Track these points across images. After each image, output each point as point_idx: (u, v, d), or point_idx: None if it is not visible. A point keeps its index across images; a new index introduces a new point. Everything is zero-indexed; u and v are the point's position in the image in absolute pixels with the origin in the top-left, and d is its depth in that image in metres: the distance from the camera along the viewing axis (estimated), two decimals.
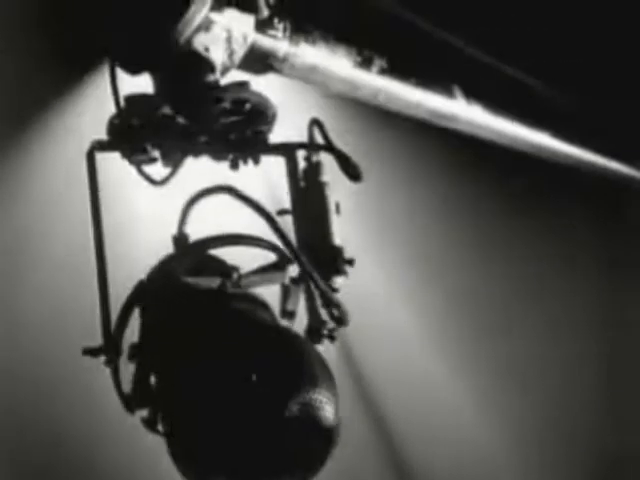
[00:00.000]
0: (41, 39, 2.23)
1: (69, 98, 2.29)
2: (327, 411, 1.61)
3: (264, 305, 1.78)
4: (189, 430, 1.61)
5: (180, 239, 1.87)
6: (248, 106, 1.88)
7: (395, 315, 3.07)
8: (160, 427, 1.73)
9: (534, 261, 3.39)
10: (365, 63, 2.33)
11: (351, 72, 2.29)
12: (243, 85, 1.89)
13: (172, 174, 1.97)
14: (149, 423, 1.74)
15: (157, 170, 2.00)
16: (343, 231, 2.82)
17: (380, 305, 2.97)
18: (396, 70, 2.39)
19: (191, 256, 1.81)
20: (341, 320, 1.81)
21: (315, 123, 1.94)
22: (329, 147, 1.88)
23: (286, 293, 1.82)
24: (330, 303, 1.78)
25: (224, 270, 1.77)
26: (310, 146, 1.90)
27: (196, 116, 1.83)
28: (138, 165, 1.92)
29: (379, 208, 2.95)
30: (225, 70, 1.99)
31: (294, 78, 2.24)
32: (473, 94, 2.60)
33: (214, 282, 1.73)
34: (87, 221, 1.89)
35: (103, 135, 1.92)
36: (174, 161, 1.95)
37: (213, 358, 1.60)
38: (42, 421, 2.43)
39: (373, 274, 2.91)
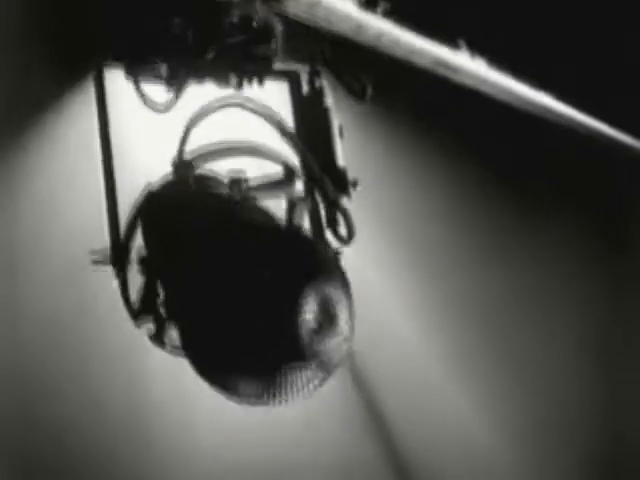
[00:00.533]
0: (40, 38, 2.22)
1: (68, 97, 2.27)
2: (341, 308, 1.58)
3: (270, 214, 1.75)
4: (204, 333, 1.58)
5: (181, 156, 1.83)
6: (255, 24, 1.86)
7: (394, 316, 3.05)
8: (166, 340, 1.70)
9: (534, 263, 3.39)
10: (369, 4, 2.30)
11: (355, 10, 2.26)
12: (250, 2, 1.87)
13: (175, 99, 1.94)
14: (156, 337, 1.70)
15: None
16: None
17: (379, 306, 2.95)
18: (400, 14, 2.37)
19: (196, 166, 1.77)
20: (346, 238, 1.78)
21: (319, 51, 1.92)
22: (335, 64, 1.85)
23: (292, 207, 1.79)
24: (339, 211, 1.75)
25: (231, 179, 1.74)
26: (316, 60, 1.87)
27: (204, 27, 1.80)
28: (139, 82, 1.89)
29: (378, 210, 2.94)
30: None
31: (297, 15, 2.21)
32: (477, 48, 2.58)
33: (222, 189, 1.70)
34: (87, 219, 1.86)
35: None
36: (178, 84, 1.92)
37: (224, 257, 1.57)
38: (46, 420, 2.40)
39: (373, 276, 2.89)
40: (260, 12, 1.86)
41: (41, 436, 2.40)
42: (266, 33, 1.89)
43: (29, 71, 2.23)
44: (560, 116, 2.83)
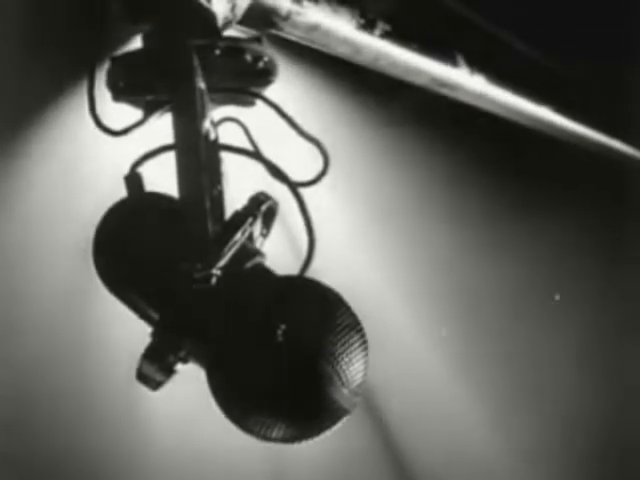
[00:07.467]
0: (43, 38, 2.22)
1: (69, 99, 2.28)
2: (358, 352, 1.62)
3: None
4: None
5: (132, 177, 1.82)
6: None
7: (398, 321, 3.05)
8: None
9: (540, 263, 3.38)
10: (368, 26, 2.30)
11: (353, 33, 2.27)
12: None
13: (135, 126, 1.94)
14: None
15: None
16: (346, 235, 2.83)
17: (382, 309, 2.95)
18: (399, 35, 2.36)
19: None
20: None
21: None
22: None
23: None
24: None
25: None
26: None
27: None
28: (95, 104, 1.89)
29: (381, 212, 2.94)
30: (227, 23, 1.97)
31: (295, 38, 2.22)
32: (477, 64, 2.57)
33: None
34: (87, 221, 1.87)
35: (103, 139, 1.93)
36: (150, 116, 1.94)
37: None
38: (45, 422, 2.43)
39: (375, 279, 2.90)
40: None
41: (40, 439, 2.43)
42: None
43: (31, 74, 2.25)
44: (561, 130, 2.83)
